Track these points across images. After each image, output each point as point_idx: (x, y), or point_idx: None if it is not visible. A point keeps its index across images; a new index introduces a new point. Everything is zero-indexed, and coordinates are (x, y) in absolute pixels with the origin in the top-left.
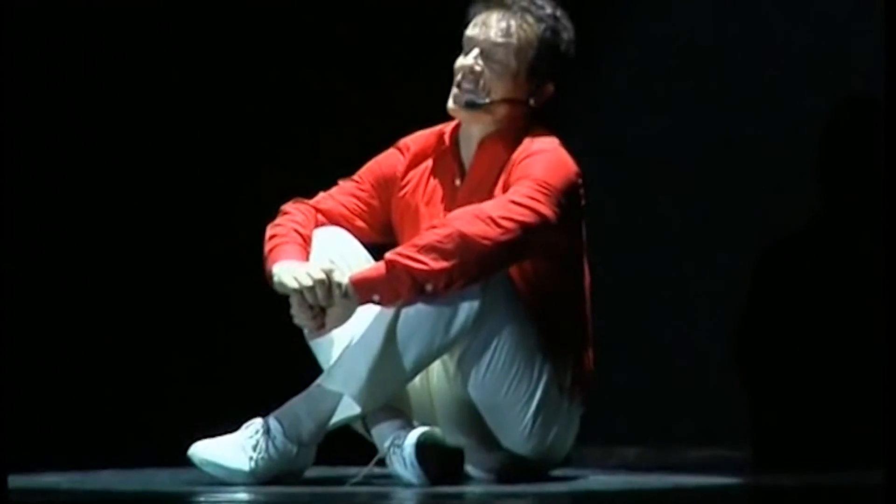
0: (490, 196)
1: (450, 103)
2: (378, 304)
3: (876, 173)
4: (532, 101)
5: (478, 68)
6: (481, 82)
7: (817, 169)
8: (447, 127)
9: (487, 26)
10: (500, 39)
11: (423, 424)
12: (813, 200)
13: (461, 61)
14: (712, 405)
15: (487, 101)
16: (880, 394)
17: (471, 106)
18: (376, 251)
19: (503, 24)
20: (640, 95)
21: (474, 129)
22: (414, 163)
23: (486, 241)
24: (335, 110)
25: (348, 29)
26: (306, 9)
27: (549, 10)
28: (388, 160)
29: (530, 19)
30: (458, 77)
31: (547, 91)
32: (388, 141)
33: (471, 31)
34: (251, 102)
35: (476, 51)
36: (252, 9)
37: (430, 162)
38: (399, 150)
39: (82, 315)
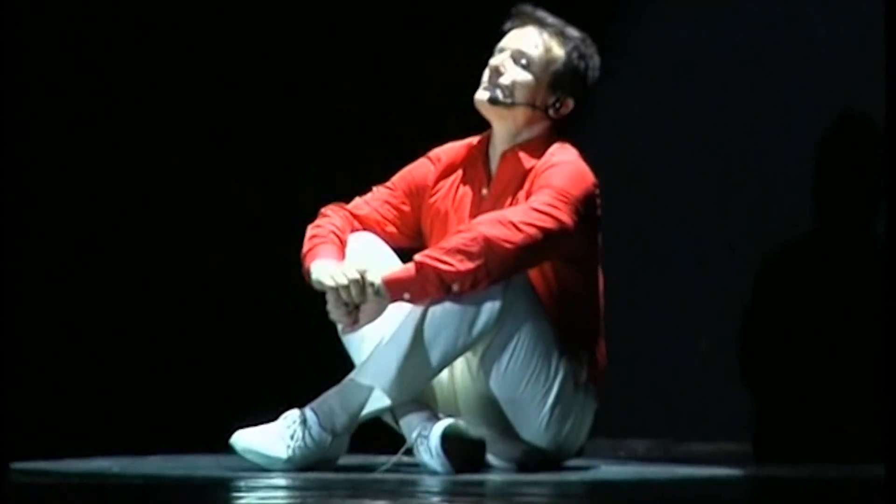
0: (512, 203)
1: (476, 95)
2: (408, 302)
3: (872, 184)
4: (551, 112)
5: (503, 70)
6: (505, 82)
7: (819, 179)
8: (475, 140)
9: (520, 36)
10: (529, 49)
11: (448, 417)
12: (815, 203)
13: (491, 62)
14: (716, 401)
15: (508, 101)
16: (879, 389)
17: (493, 102)
18: (405, 257)
19: (535, 36)
20: (647, 111)
21: (498, 138)
22: (445, 173)
23: (508, 245)
24: (371, 119)
25: (386, 44)
26: (343, 20)
27: (579, 35)
28: (419, 169)
29: (562, 38)
30: (486, 75)
31: (566, 106)
32: (419, 150)
33: (505, 40)
34: (293, 107)
35: (507, 53)
36: (287, 17)
37: (459, 172)
38: (430, 160)
39: (134, 307)
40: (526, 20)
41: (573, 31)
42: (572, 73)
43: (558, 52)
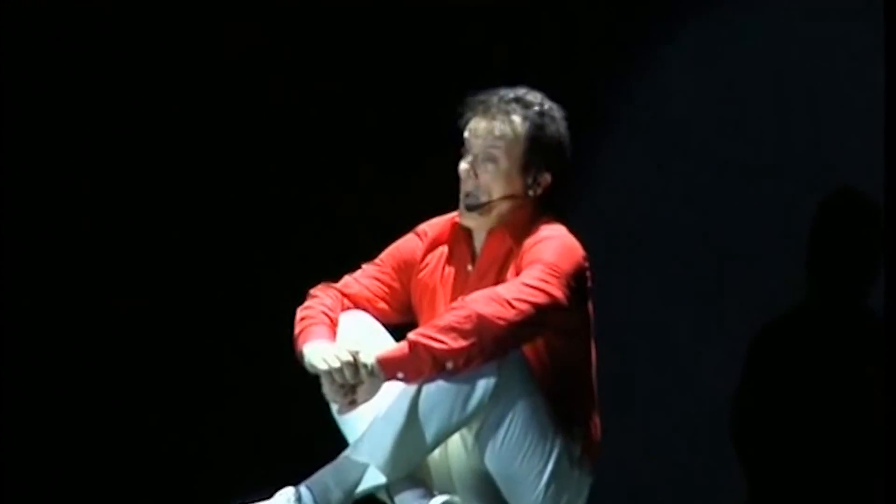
0: (498, 280)
1: (458, 214)
2: (402, 381)
3: (868, 258)
4: (531, 193)
5: (472, 172)
6: (479, 184)
7: (815, 251)
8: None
9: (476, 133)
10: (487, 144)
11: (443, 493)
12: (811, 275)
13: (461, 169)
14: (712, 476)
15: (485, 199)
16: (874, 464)
17: (472, 208)
18: (398, 333)
19: (489, 129)
20: (639, 181)
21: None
22: (431, 247)
23: (501, 322)
24: (358, 196)
25: (373, 117)
26: (333, 93)
27: (535, 107)
28: (407, 245)
29: (515, 118)
30: (461, 184)
31: (544, 181)
32: (407, 227)
33: (466, 137)
34: (280, 183)
35: (469, 157)
36: (286, 84)
37: (445, 248)
38: (417, 235)
39: (129, 379)
40: (477, 110)
41: (526, 106)
42: (539, 149)
43: (517, 135)
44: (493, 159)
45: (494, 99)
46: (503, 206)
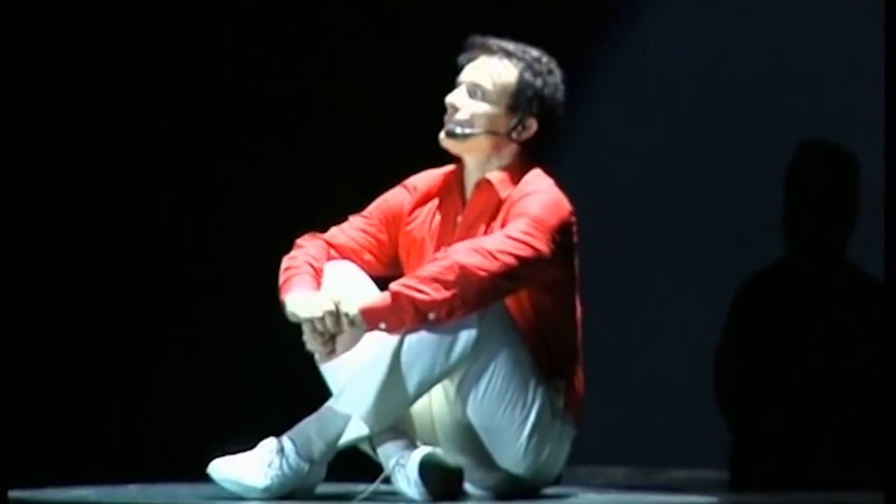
0: (486, 232)
1: (439, 136)
2: (384, 331)
3: (845, 213)
4: (514, 135)
5: (458, 103)
6: (463, 116)
7: (795, 206)
8: (452, 168)
9: (473, 68)
10: (481, 79)
11: (426, 445)
12: (791, 229)
13: (447, 99)
14: (694, 428)
15: (467, 131)
16: (865, 417)
17: (451, 135)
18: (382, 284)
19: (485, 66)
20: (624, 138)
21: (471, 166)
22: (420, 201)
23: (483, 273)
24: (349, 147)
25: (364, 78)
26: (324, 56)
27: (533, 54)
28: (395, 197)
29: (512, 60)
30: (447, 113)
31: (529, 127)
32: (395, 179)
33: (461, 75)
34: (275, 141)
35: (462, 88)
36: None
37: (435, 200)
38: (406, 188)
39: (112, 335)
40: (476, 51)
41: (526, 52)
42: (528, 93)
43: (510, 75)
44: (481, 92)
45: (496, 41)
46: (485, 142)
